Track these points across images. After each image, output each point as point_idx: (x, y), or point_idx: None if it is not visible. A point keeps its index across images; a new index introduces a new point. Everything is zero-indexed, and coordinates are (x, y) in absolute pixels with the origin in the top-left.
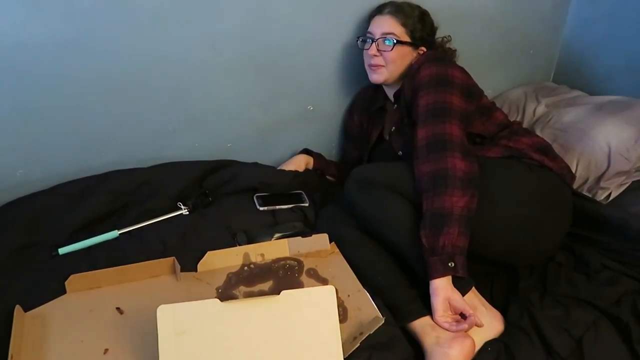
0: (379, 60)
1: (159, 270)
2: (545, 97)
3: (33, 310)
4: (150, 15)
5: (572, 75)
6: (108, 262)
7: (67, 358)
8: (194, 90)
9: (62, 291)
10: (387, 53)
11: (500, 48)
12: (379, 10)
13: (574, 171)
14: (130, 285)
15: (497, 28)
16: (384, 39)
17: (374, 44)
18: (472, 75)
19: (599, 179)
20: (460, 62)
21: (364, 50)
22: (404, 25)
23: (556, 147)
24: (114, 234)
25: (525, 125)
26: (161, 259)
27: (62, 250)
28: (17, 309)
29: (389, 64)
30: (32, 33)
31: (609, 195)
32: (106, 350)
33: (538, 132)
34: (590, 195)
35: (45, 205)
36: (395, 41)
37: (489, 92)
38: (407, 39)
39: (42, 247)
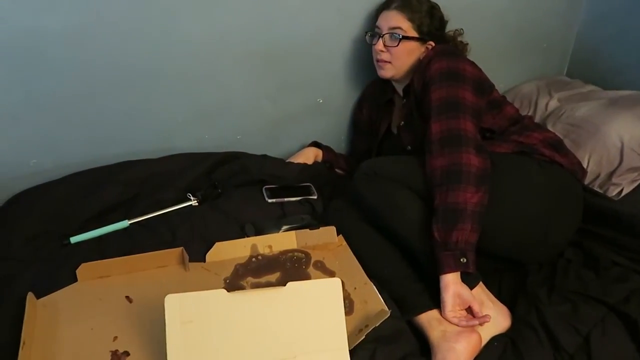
0: (385, 56)
1: (167, 260)
2: (558, 92)
3: (45, 298)
4: (161, 7)
5: (586, 70)
6: (118, 252)
7: (78, 345)
8: (203, 82)
9: (73, 279)
10: (394, 49)
11: (513, 41)
12: (386, 5)
13: (585, 166)
14: (139, 274)
15: (510, 21)
16: (391, 34)
17: (380, 39)
18: (484, 69)
19: (610, 174)
20: (472, 55)
21: (372, 45)
22: (410, 20)
23: (568, 142)
24: (125, 223)
25: (537, 119)
26: (170, 249)
27: (73, 239)
28: (30, 296)
29: (395, 59)
30: (45, 22)
31: (621, 191)
32: (115, 338)
33: (550, 127)
34: (601, 191)
35: (58, 195)
36: (401, 37)
37: (501, 86)
38: (414, 34)
39: (54, 235)
